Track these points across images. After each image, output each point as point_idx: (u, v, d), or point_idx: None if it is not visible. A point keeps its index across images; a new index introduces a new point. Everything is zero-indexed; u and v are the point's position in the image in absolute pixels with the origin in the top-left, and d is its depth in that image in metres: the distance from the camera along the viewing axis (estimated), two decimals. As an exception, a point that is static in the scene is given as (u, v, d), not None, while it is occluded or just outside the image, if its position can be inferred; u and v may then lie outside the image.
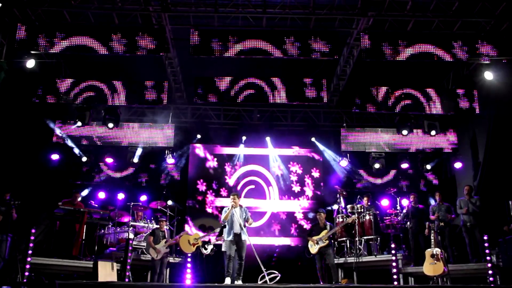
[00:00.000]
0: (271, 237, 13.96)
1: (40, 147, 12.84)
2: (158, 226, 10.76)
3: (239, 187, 14.25)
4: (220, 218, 9.85)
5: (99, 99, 11.60)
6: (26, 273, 8.75)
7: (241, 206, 9.18)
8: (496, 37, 10.52)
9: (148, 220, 11.54)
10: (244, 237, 8.90)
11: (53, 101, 11.47)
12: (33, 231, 9.27)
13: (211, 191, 14.29)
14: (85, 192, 13.19)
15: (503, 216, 9.82)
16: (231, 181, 14.41)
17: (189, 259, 11.22)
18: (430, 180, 14.38)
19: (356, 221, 11.10)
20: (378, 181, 14.42)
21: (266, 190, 14.44)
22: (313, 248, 10.36)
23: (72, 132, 13.33)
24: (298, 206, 14.29)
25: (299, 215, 14.22)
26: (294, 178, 14.53)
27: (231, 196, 9.15)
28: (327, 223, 10.64)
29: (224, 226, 9.27)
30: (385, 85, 11.71)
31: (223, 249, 9.92)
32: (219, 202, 14.13)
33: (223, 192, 14.26)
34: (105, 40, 10.46)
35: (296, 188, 14.45)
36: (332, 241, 10.89)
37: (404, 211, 11.11)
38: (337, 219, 11.66)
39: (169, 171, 14.31)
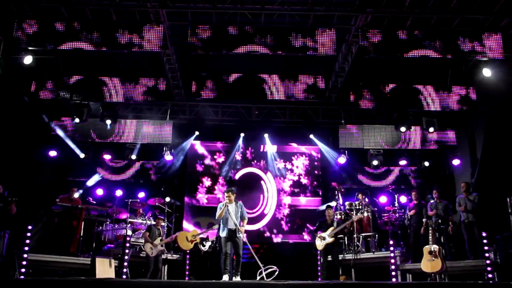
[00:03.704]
0: (269, 234, 13.95)
1: (37, 144, 12.81)
2: (155, 223, 10.76)
3: (238, 184, 14.22)
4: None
5: (97, 96, 11.60)
6: (23, 270, 8.73)
7: (236, 202, 9.09)
8: (494, 33, 10.52)
9: (146, 217, 11.54)
10: (239, 233, 8.82)
11: (50, 97, 11.47)
12: (30, 227, 9.26)
13: (208, 188, 14.28)
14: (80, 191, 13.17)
15: (501, 213, 9.83)
16: (229, 178, 14.39)
17: (187, 256, 11.24)
18: (428, 177, 14.37)
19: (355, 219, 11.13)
20: (376, 177, 14.41)
21: (264, 187, 14.43)
22: (320, 244, 10.40)
23: (70, 129, 13.33)
24: (295, 203, 14.28)
25: (296, 212, 14.22)
26: (292, 175, 14.52)
27: (226, 193, 9.06)
28: (335, 219, 10.67)
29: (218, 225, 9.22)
30: (383, 82, 11.72)
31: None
32: (217, 198, 14.12)
33: (221, 189, 14.25)
34: (103, 36, 10.45)
35: (294, 185, 14.44)
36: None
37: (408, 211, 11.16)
38: (336, 216, 11.66)
39: (167, 168, 14.29)
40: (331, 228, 10.37)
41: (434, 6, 10.46)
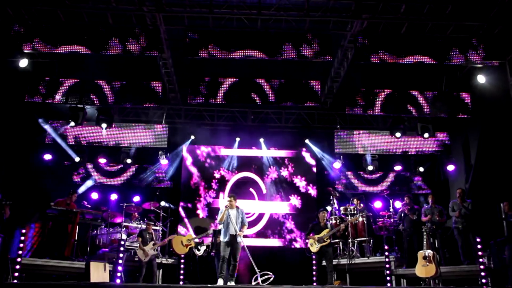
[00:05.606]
0: (264, 238, 13.95)
1: (32, 147, 12.77)
2: (145, 228, 10.74)
3: (233, 188, 14.21)
4: (215, 220, 9.81)
5: (93, 99, 11.59)
6: (16, 274, 8.69)
7: (237, 208, 9.21)
8: (488, 40, 10.62)
9: (141, 221, 11.51)
10: (239, 238, 8.92)
11: (46, 101, 11.44)
12: (23, 231, 9.22)
13: (204, 192, 14.27)
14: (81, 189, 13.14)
15: (495, 218, 9.89)
16: (224, 182, 14.39)
17: (182, 260, 11.21)
18: (422, 183, 14.42)
19: (350, 223, 11.14)
20: (371, 183, 14.44)
21: (259, 192, 14.42)
22: (314, 247, 10.30)
23: (65, 132, 13.30)
24: (291, 207, 14.28)
25: (290, 216, 14.22)
26: (287, 179, 14.51)
27: (228, 198, 9.20)
28: (328, 222, 10.63)
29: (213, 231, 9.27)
30: (378, 87, 11.79)
31: None
32: (213, 203, 14.11)
33: (216, 193, 14.24)
34: (99, 40, 10.46)
35: (289, 190, 14.43)
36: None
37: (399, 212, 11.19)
38: (331, 221, 11.68)
39: (163, 172, 14.26)
40: (326, 230, 10.25)
41: (429, 13, 10.53)
